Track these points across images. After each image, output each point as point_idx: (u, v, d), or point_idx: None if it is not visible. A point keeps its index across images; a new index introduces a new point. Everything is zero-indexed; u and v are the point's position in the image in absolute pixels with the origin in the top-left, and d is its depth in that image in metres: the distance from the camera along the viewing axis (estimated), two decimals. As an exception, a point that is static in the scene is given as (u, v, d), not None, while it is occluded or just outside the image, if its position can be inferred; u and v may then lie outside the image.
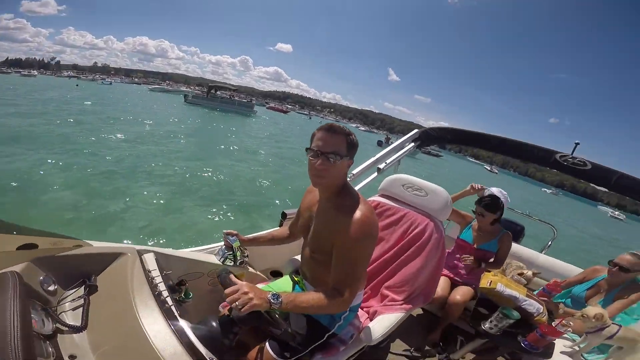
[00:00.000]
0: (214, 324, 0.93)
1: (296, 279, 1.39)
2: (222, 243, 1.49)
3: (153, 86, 68.28)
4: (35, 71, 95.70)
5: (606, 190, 2.07)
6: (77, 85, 48.45)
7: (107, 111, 19.36)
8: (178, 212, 5.98)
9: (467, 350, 1.96)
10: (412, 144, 2.67)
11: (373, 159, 2.34)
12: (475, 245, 2.24)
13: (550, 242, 3.12)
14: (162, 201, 6.28)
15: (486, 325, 1.68)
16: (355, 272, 1.05)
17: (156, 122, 17.89)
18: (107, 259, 0.99)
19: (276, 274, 1.84)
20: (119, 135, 11.83)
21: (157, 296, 0.89)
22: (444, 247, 1.69)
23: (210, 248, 1.60)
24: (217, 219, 6.07)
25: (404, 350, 2.05)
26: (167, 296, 0.94)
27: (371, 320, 1.44)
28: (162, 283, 0.99)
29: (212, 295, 1.44)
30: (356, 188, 1.20)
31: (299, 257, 1.66)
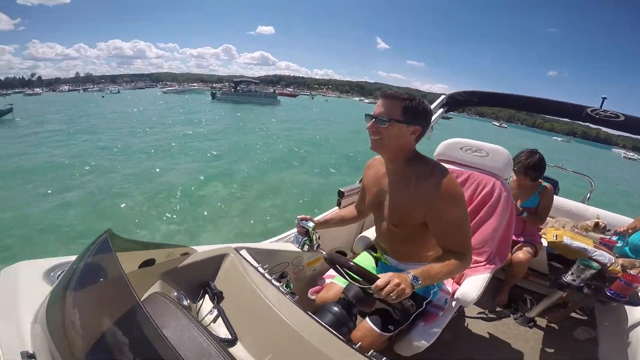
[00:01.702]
0: (336, 309, 0.92)
1: (376, 255, 1.39)
2: (295, 230, 1.47)
3: (166, 89, 67.78)
4: (39, 89, 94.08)
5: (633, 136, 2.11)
6: (102, 97, 49.39)
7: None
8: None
9: (544, 306, 1.96)
10: (441, 109, 2.67)
11: None
12: (517, 204, 2.18)
13: (589, 194, 3.08)
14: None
15: (568, 278, 1.67)
16: (467, 230, 1.07)
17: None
18: (215, 263, 0.98)
19: (339, 254, 1.86)
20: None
21: (280, 290, 0.87)
22: (512, 206, 1.68)
23: (284, 237, 1.60)
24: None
25: (479, 314, 2.07)
26: (285, 289, 0.93)
27: (458, 284, 1.45)
28: (272, 277, 0.97)
29: (297, 283, 1.46)
30: None
31: (366, 234, 1.69)
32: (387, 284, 0.86)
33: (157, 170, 8.28)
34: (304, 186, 7.68)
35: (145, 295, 0.71)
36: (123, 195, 6.32)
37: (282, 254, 1.36)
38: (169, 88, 70.12)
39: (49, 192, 6.39)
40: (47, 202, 5.83)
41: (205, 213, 5.77)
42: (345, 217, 1.48)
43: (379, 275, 0.91)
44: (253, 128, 17.28)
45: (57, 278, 0.81)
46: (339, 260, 1.02)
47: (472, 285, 1.36)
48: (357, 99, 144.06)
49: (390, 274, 0.90)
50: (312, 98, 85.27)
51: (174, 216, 5.58)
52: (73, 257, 0.90)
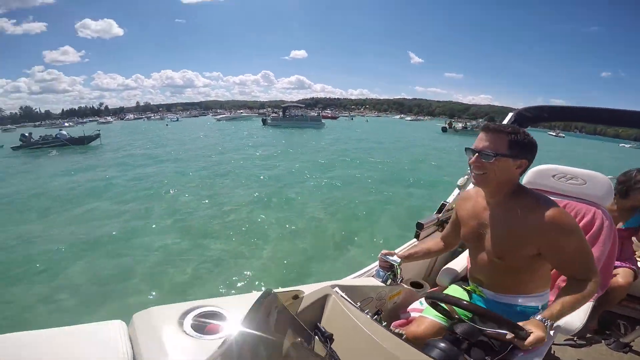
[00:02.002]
0: (443, 345, 0.92)
1: (468, 287, 1.35)
2: (376, 264, 1.49)
3: (219, 116, 71.34)
4: (109, 118, 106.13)
5: None
6: (167, 125, 53.98)
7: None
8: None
9: None
10: None
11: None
12: (620, 225, 2.05)
13: None
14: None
15: None
16: (591, 256, 1.03)
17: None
18: (320, 303, 1.00)
19: (415, 285, 1.78)
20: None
21: (386, 329, 0.89)
22: (616, 234, 1.58)
23: (366, 272, 1.60)
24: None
25: (566, 340, 1.94)
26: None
27: None
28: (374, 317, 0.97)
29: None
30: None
31: (452, 266, 1.70)
32: (537, 342, 0.86)
33: (238, 193, 8.97)
34: (364, 204, 8.00)
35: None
36: (211, 218, 6.92)
37: (367, 289, 1.35)
38: (222, 115, 72.70)
39: (150, 214, 7.38)
40: (152, 223, 6.75)
41: (279, 237, 5.98)
42: (432, 250, 1.46)
43: (521, 325, 0.89)
44: (307, 151, 18.25)
45: (190, 325, 0.81)
46: (458, 303, 1.00)
47: (575, 314, 1.28)
48: (398, 116, 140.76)
49: (536, 330, 0.88)
50: (352, 119, 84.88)
51: (259, 242, 5.81)
52: (200, 301, 0.93)
